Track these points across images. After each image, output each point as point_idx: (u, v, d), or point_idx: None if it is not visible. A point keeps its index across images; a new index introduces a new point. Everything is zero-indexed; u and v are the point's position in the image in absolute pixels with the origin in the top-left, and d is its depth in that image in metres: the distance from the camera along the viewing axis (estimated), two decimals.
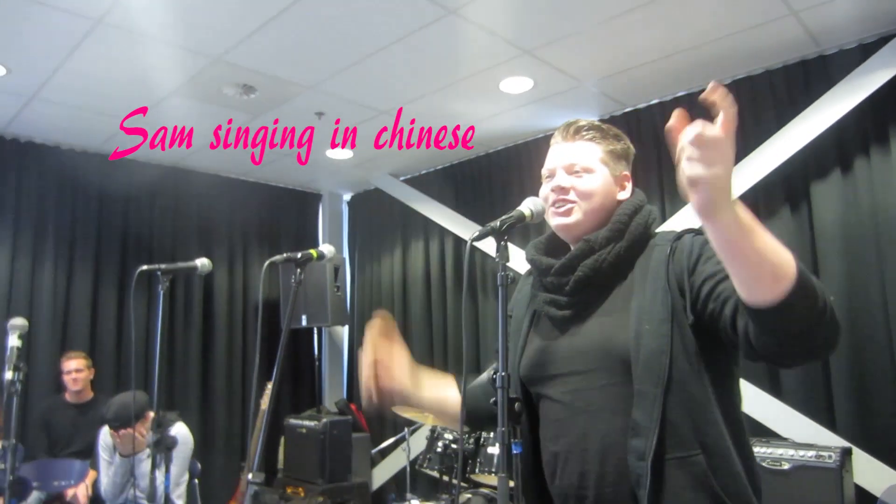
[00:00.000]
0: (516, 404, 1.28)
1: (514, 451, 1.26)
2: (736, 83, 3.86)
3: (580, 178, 1.42)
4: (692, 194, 0.95)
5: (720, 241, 1.00)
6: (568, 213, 1.42)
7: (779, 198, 3.69)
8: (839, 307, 3.38)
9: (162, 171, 5.26)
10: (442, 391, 1.62)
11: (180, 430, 3.40)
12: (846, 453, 3.03)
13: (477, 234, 1.34)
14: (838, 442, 3.20)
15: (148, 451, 3.17)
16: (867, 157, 3.39)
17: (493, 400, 1.29)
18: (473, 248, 5.13)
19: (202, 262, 2.58)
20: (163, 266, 2.49)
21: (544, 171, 1.49)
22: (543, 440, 1.42)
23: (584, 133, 1.46)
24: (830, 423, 3.38)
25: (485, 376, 1.59)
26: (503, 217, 1.37)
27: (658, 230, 1.46)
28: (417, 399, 1.57)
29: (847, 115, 3.39)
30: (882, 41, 3.34)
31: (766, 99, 3.77)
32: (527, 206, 1.41)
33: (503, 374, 1.27)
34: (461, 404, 1.36)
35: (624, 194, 1.46)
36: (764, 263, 0.99)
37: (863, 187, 3.40)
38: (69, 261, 4.77)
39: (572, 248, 1.44)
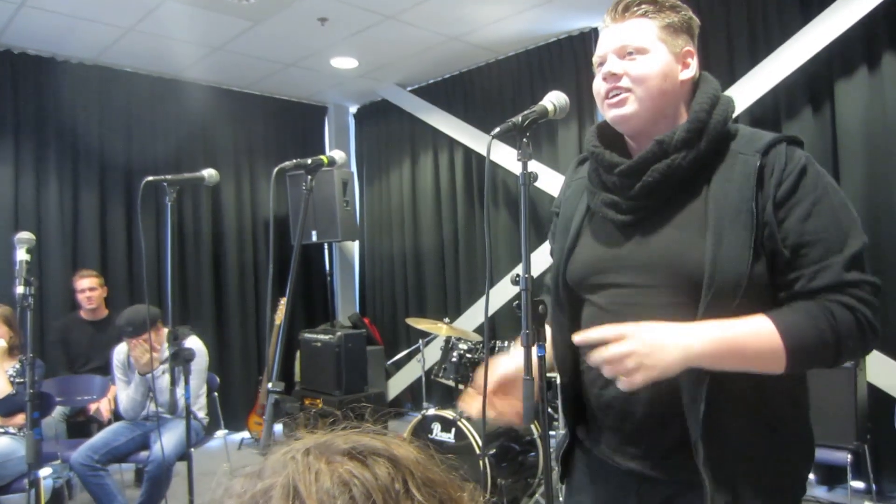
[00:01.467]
0: (540, 307, 1.24)
1: (539, 354, 1.23)
2: None
3: (633, 62, 1.24)
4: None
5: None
6: (622, 103, 1.25)
7: (801, 98, 3.57)
8: (858, 211, 3.31)
9: (162, 84, 5.11)
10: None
11: (194, 344, 3.41)
12: None
13: (498, 129, 1.26)
14: None
15: (164, 367, 3.21)
16: None
17: (516, 303, 1.25)
18: (483, 158, 5.06)
19: (209, 173, 2.52)
20: (168, 177, 2.43)
21: (595, 59, 1.32)
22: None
23: (636, 8, 1.26)
24: None
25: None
26: (525, 112, 1.28)
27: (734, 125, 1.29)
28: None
29: (878, 7, 3.21)
30: None
31: None
32: (549, 100, 1.32)
33: (526, 276, 1.23)
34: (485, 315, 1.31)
35: (687, 73, 1.27)
36: (752, 365, 1.13)
37: (890, 85, 3.27)
38: (74, 176, 4.71)
39: (630, 142, 1.32)
